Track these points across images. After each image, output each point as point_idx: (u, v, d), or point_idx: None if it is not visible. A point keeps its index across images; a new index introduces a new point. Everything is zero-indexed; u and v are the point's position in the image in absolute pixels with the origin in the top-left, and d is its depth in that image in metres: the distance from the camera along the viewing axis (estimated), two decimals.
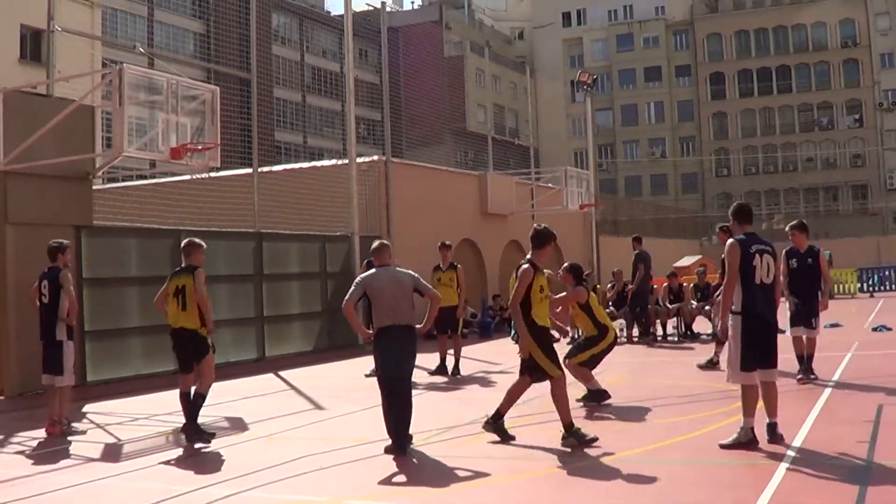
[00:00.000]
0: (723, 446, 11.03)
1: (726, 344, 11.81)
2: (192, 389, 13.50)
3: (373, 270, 12.72)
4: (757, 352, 11.23)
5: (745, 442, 11.04)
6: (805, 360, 16.69)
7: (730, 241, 11.52)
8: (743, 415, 11.16)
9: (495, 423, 12.53)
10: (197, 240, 14.16)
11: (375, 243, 13.13)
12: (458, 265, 21.52)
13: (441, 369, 20.92)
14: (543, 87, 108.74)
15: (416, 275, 12.68)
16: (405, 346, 12.31)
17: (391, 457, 11.70)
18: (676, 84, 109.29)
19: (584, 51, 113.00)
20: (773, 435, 11.24)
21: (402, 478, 10.82)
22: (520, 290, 12.15)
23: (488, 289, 38.03)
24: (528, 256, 12.71)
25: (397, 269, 12.69)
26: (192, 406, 13.37)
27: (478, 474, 10.68)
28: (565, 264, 17.08)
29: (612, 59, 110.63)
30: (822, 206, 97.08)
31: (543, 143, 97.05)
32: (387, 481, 10.62)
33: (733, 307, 11.34)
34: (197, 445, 12.96)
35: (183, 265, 13.99)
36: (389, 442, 12.02)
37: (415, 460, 11.64)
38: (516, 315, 12.19)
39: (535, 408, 15.48)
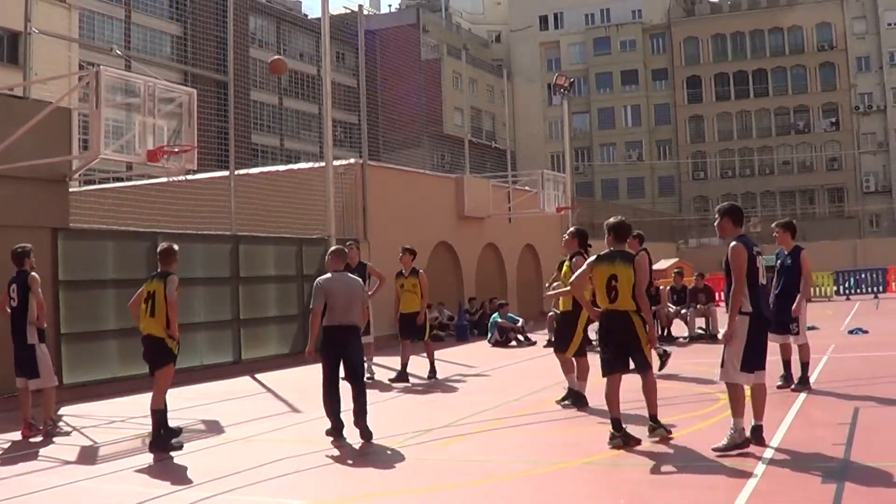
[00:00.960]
0: (717, 450, 10.90)
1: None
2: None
3: (329, 275, 13.81)
4: (760, 353, 11.28)
5: (741, 443, 11.00)
6: (802, 368, 16.47)
7: (734, 243, 11.36)
8: (733, 416, 11.08)
9: (656, 424, 12.38)
10: (174, 245, 14.00)
11: (332, 248, 14.65)
12: (421, 270, 21.26)
13: (402, 376, 20.50)
14: (520, 90, 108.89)
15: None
16: (354, 339, 13.70)
17: (369, 460, 11.73)
18: (653, 87, 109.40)
19: (561, 54, 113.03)
20: (759, 438, 11.23)
21: (378, 480, 10.84)
22: (643, 277, 12.34)
23: (465, 291, 38.01)
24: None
25: (349, 275, 14.22)
26: (152, 422, 13.21)
27: (453, 477, 10.72)
28: (571, 228, 16.69)
29: (588, 63, 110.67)
30: (798, 210, 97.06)
31: (520, 146, 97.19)
32: (364, 484, 10.65)
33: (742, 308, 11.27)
34: (171, 452, 12.90)
35: (158, 270, 13.93)
36: (330, 426, 13.26)
37: (391, 463, 11.68)
38: (644, 303, 12.21)
39: (512, 410, 15.55)
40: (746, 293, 11.23)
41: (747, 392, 11.34)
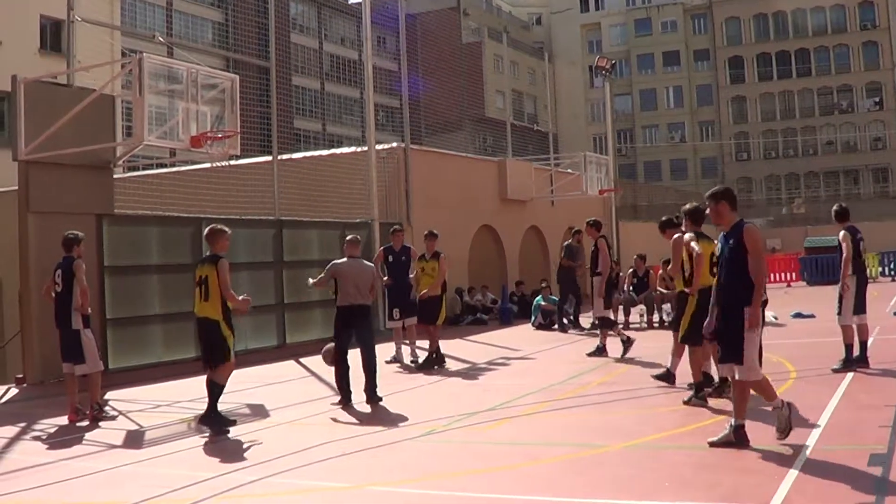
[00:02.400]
0: (713, 444, 10.62)
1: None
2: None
3: (343, 259, 16.14)
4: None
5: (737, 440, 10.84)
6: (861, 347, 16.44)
7: (748, 225, 11.14)
8: (736, 414, 10.69)
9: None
10: (221, 226, 14.00)
11: (348, 237, 16.79)
12: (443, 255, 21.16)
13: (432, 360, 20.49)
14: (562, 72, 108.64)
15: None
16: (362, 316, 15.96)
17: (413, 443, 11.75)
18: (695, 68, 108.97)
19: (603, 36, 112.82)
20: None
21: (422, 463, 10.85)
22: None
23: (508, 275, 37.96)
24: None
25: (363, 260, 16.38)
26: (208, 393, 13.39)
27: (498, 460, 10.72)
28: (685, 206, 16.03)
29: (630, 44, 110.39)
30: (842, 190, 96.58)
31: (562, 128, 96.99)
32: (408, 467, 10.66)
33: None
34: (216, 434, 12.98)
35: (207, 253, 13.97)
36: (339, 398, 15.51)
37: (435, 446, 11.69)
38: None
39: (556, 393, 15.54)
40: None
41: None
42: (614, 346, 20.44)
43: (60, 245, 15.51)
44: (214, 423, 13.14)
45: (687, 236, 13.70)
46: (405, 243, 21.99)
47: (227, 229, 14.01)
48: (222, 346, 13.38)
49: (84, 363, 15.17)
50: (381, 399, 15.35)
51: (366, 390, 15.37)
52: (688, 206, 13.97)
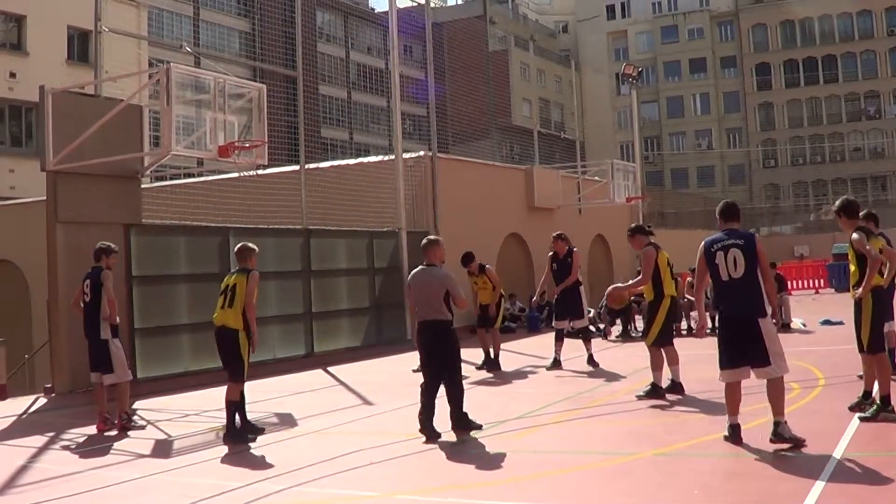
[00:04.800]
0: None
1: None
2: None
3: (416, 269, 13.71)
4: None
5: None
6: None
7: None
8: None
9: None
10: (250, 243, 14.22)
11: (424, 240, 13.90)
12: (487, 266, 22.13)
13: (489, 362, 21.30)
14: (588, 80, 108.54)
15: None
16: (432, 334, 13.05)
17: (442, 452, 11.74)
18: (722, 75, 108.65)
19: (629, 43, 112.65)
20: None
21: (453, 472, 10.84)
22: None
23: (535, 283, 37.89)
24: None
25: (433, 268, 13.40)
26: (227, 415, 13.45)
27: (527, 468, 10.70)
28: (632, 225, 16.95)
29: (656, 52, 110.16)
30: (870, 196, 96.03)
31: (589, 136, 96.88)
32: (436, 476, 10.65)
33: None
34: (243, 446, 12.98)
35: (237, 268, 14.04)
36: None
37: (464, 455, 11.67)
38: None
39: (585, 401, 15.51)
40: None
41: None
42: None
43: (91, 255, 15.60)
44: (231, 439, 13.13)
45: (856, 235, 12.92)
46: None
47: (255, 247, 14.20)
48: (237, 355, 13.41)
49: (112, 373, 15.22)
50: (462, 427, 12.86)
51: (451, 417, 12.84)
52: (841, 201, 12.98)
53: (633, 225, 17.00)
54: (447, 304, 13.05)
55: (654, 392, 15.24)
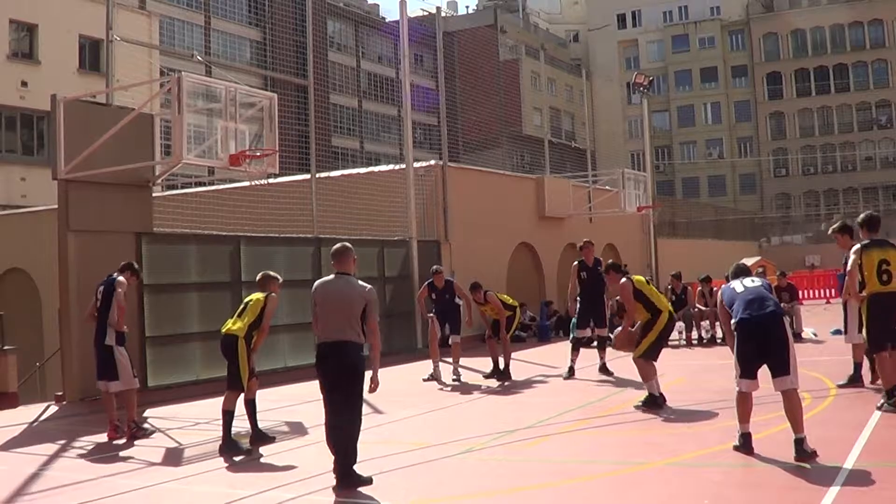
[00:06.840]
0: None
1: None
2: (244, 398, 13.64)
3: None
4: None
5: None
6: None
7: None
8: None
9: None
10: (271, 272, 14.56)
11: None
12: (488, 292, 21.86)
13: (496, 372, 21.30)
14: (599, 89, 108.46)
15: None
16: (334, 357, 10.72)
17: (450, 461, 11.74)
18: (733, 84, 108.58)
19: (640, 52, 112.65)
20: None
21: (461, 482, 10.83)
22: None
23: (546, 292, 37.90)
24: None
25: (350, 279, 11.34)
26: (223, 424, 13.48)
27: (537, 478, 10.69)
28: (609, 261, 17.47)
29: (667, 61, 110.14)
30: (882, 206, 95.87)
31: (600, 145, 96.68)
32: (446, 486, 10.65)
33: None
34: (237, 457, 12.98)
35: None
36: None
37: (474, 465, 11.67)
38: None
39: (595, 411, 15.51)
40: None
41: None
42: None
43: (107, 261, 15.73)
44: (226, 449, 13.16)
45: (853, 256, 14.24)
46: (447, 277, 22.46)
47: (277, 276, 14.55)
48: (234, 363, 13.52)
49: (117, 380, 15.25)
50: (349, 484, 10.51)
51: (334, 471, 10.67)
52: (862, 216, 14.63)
53: (609, 261, 17.52)
54: (363, 323, 10.81)
55: (653, 402, 15.24)
